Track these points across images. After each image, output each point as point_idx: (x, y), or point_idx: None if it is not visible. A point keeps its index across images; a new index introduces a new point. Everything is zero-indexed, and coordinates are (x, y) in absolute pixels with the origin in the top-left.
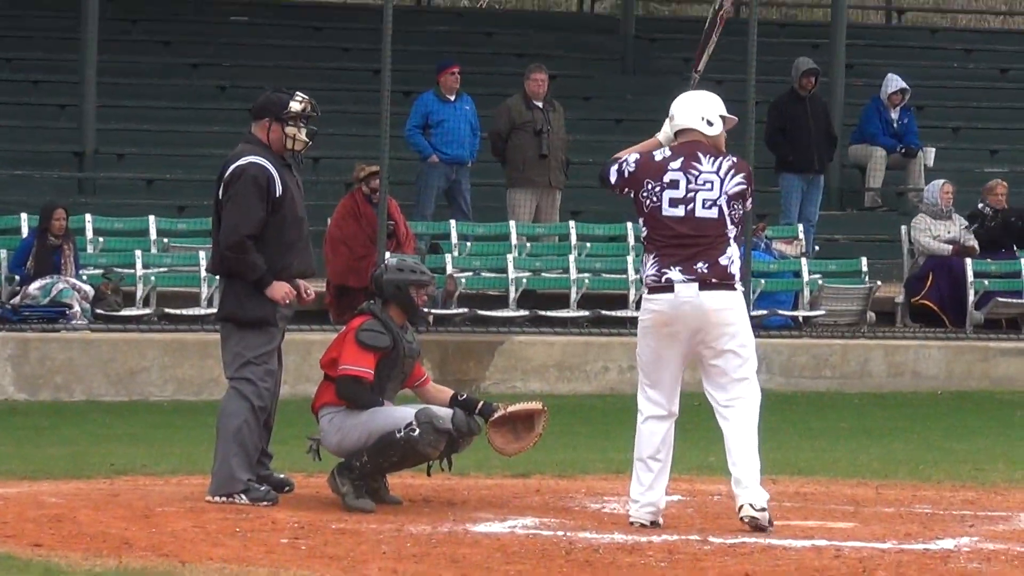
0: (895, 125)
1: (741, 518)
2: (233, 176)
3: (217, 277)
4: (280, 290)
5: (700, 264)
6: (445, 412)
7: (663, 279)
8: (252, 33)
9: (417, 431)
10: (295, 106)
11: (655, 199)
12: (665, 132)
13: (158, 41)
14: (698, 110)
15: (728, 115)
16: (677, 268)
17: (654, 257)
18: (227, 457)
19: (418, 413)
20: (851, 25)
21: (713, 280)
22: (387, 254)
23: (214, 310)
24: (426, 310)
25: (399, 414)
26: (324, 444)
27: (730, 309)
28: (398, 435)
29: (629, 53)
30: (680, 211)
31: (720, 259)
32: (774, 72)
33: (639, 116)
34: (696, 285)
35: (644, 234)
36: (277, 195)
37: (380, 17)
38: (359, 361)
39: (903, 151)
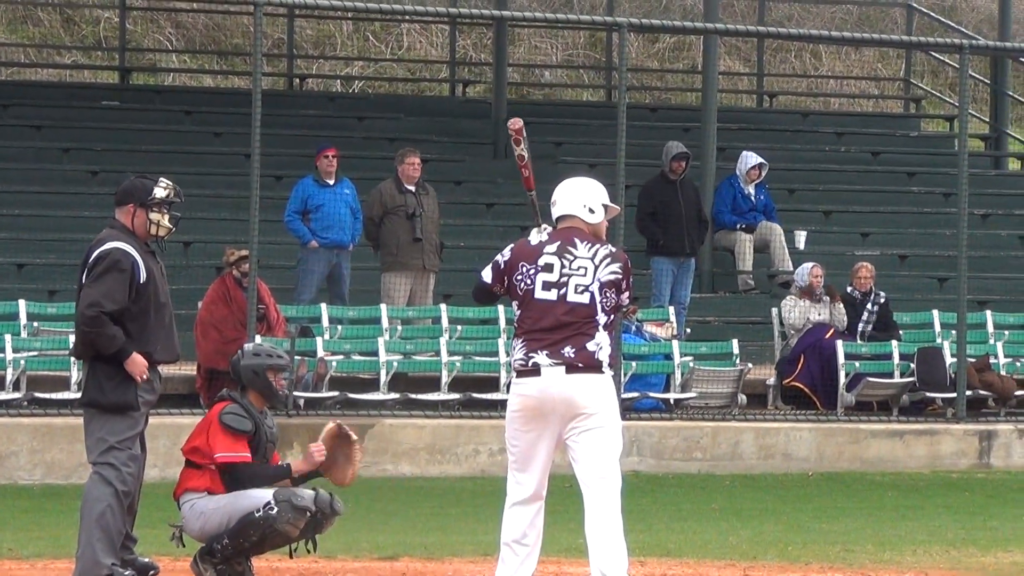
0: (752, 200)
1: None
2: (97, 260)
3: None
4: (139, 365)
5: (567, 349)
6: (307, 492)
7: (530, 363)
8: (123, 118)
9: (275, 509)
10: (159, 192)
11: (529, 282)
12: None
13: (29, 126)
14: (581, 197)
15: (611, 204)
16: (544, 352)
17: (522, 341)
18: (91, 542)
19: (276, 492)
20: (722, 108)
21: (580, 364)
22: (257, 337)
23: None
24: (285, 392)
25: (258, 495)
26: (187, 530)
27: (596, 392)
28: (256, 514)
29: (500, 137)
30: (552, 295)
31: (588, 344)
32: (645, 156)
33: (510, 200)
34: (563, 369)
35: (516, 317)
36: (141, 281)
37: (251, 101)
38: (234, 447)
39: (742, 227)
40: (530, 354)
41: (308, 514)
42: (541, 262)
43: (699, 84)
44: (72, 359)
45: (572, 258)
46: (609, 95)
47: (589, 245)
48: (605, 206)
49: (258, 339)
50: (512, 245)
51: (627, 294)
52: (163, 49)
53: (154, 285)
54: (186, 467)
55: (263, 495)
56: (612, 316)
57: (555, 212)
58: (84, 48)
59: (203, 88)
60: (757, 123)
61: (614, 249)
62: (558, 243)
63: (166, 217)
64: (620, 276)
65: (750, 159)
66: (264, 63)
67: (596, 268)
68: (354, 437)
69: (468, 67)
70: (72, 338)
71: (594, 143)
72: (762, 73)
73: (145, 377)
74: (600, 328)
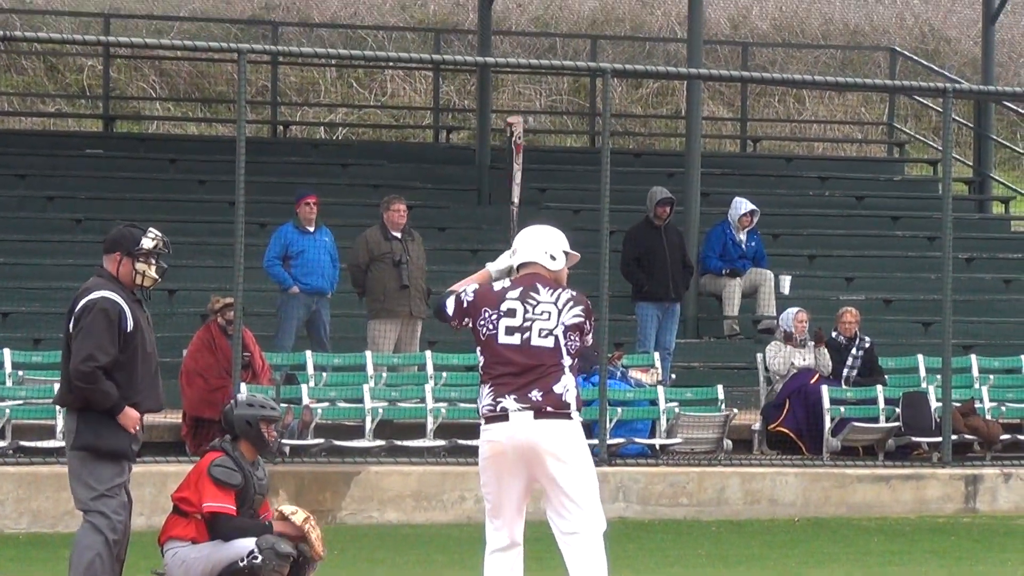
0: (743, 247)
1: None
2: (84, 309)
3: (65, 410)
4: (133, 418)
5: (535, 392)
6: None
7: (498, 408)
8: (107, 166)
9: (260, 558)
10: (147, 243)
11: (492, 327)
12: (496, 264)
13: (13, 174)
14: (542, 245)
15: (571, 251)
16: (512, 397)
17: (489, 387)
18: None
19: (259, 540)
20: (706, 154)
21: (548, 409)
22: (242, 386)
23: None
24: (279, 442)
25: (241, 544)
26: None
27: (565, 437)
28: (241, 564)
29: (484, 183)
30: (516, 339)
31: (554, 387)
32: (629, 201)
33: (495, 246)
34: (531, 414)
35: (480, 363)
36: (128, 330)
37: (235, 148)
38: (221, 497)
39: (727, 272)
40: (498, 399)
41: (291, 559)
42: (504, 307)
43: (683, 129)
44: (57, 407)
45: (535, 303)
46: (593, 141)
47: (551, 290)
48: (566, 253)
49: (244, 387)
50: (476, 286)
51: (589, 336)
52: (147, 97)
53: (141, 334)
54: (173, 514)
55: (246, 544)
56: (576, 359)
57: (516, 260)
58: (68, 96)
59: (187, 136)
60: (741, 168)
61: (575, 293)
62: (520, 288)
63: (152, 268)
64: (583, 319)
65: (741, 206)
66: (248, 110)
67: (560, 312)
68: (293, 518)
69: (452, 113)
70: (57, 387)
71: (578, 188)
72: (746, 118)
73: (138, 429)
74: (566, 371)
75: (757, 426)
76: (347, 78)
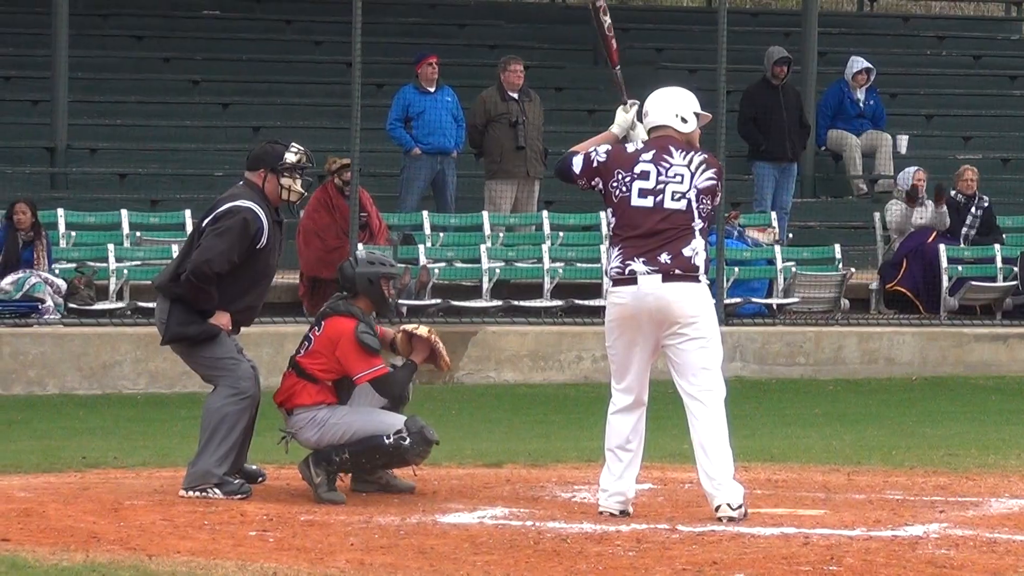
0: (861, 105)
1: (719, 518)
2: (228, 212)
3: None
4: (223, 321)
5: (664, 256)
6: (424, 421)
7: (627, 271)
8: (224, 27)
9: (408, 440)
10: (290, 158)
11: (625, 189)
12: (618, 123)
13: (130, 36)
14: (672, 107)
15: (703, 112)
16: (641, 260)
17: (619, 249)
18: (207, 450)
19: (408, 421)
20: (823, 13)
21: (676, 272)
22: (360, 245)
23: None
24: (397, 301)
25: (388, 419)
26: (301, 438)
27: (693, 300)
28: (387, 441)
29: (601, 43)
30: (649, 202)
31: (684, 250)
32: (746, 61)
33: (611, 106)
34: (659, 277)
35: (611, 225)
36: (258, 247)
37: (351, 9)
38: (371, 364)
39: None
40: (627, 261)
41: (435, 445)
42: (637, 169)
43: None
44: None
45: (668, 165)
46: (709, 0)
47: (684, 153)
48: (697, 114)
49: (361, 248)
50: (608, 147)
51: (719, 198)
52: None
53: (266, 255)
54: (298, 378)
55: (392, 420)
56: (707, 223)
57: (647, 123)
58: None
59: None
60: (858, 27)
61: (708, 155)
62: (653, 151)
63: (298, 182)
64: (715, 181)
65: (856, 63)
66: None
67: (693, 175)
68: (419, 332)
69: None
70: (175, 247)
71: (695, 48)
72: None
73: (228, 332)
74: (696, 234)
75: (874, 285)
76: None
